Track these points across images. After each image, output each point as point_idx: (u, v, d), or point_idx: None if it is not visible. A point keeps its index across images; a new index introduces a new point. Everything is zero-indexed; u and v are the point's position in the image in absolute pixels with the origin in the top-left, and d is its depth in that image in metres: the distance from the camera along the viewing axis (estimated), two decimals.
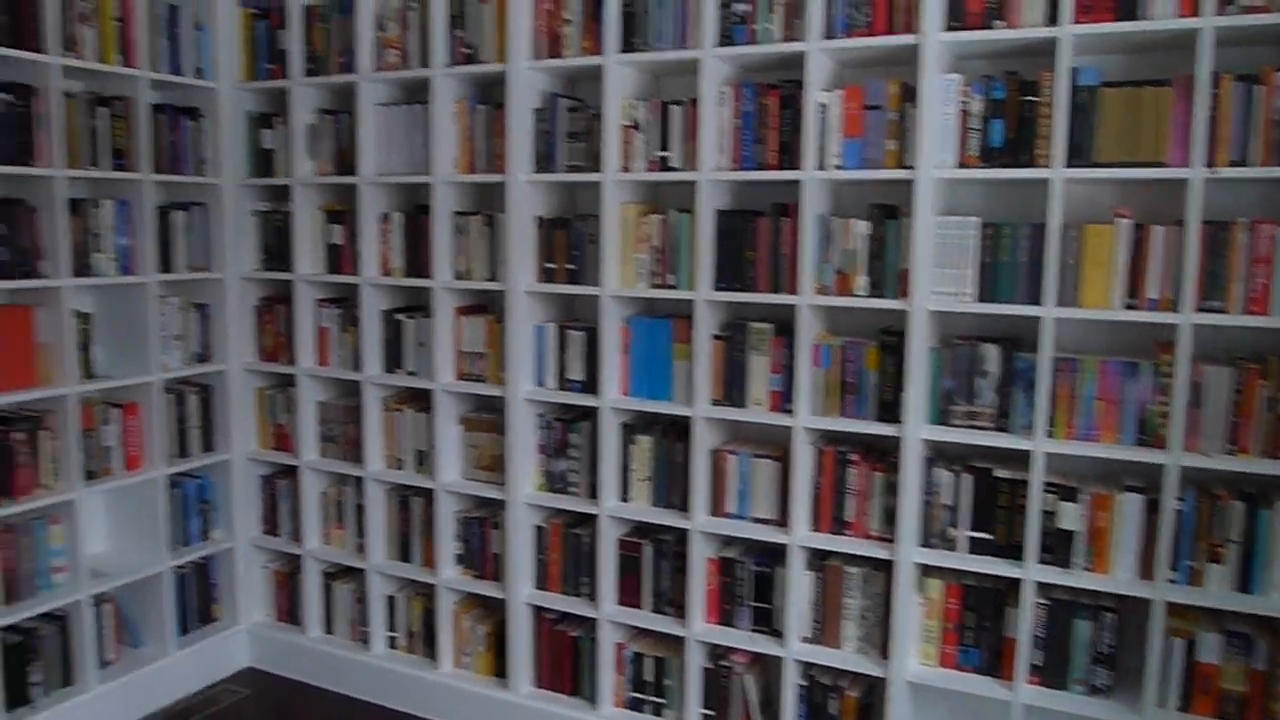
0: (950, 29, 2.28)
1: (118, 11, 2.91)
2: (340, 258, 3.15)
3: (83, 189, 3.00)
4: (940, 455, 2.52)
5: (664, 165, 2.64)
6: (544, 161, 2.79)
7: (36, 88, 2.73)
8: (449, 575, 3.08)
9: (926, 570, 2.51)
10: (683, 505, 2.73)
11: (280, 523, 3.41)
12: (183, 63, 3.13)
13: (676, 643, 2.81)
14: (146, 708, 3.14)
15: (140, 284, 3.04)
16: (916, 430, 2.41)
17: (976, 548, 2.43)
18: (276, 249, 3.28)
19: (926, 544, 2.48)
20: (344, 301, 3.22)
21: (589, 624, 2.90)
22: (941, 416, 2.44)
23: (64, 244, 2.80)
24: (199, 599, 3.36)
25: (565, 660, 2.95)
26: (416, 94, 3.04)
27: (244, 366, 3.38)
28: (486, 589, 3.01)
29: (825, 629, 2.61)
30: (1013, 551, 2.39)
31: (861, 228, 2.44)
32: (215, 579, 3.42)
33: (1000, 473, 2.39)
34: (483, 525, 3.03)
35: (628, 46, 2.62)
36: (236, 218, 3.31)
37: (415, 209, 3.03)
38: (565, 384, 2.85)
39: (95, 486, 2.95)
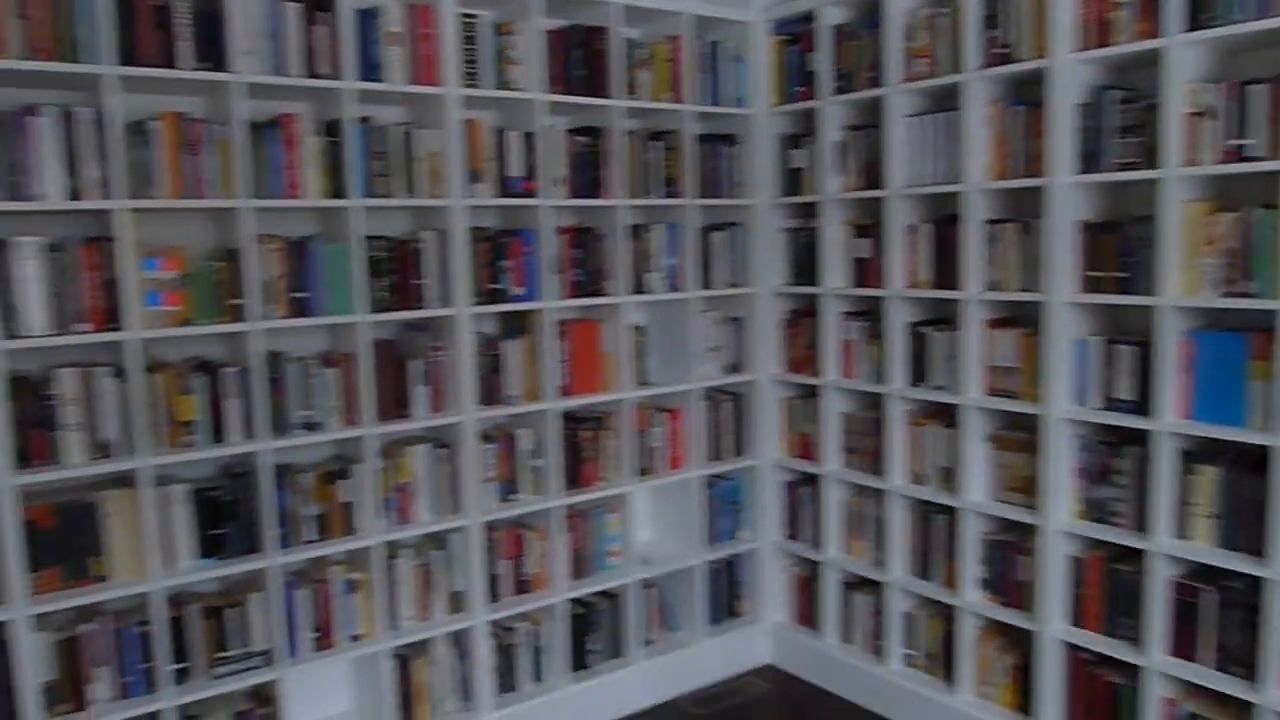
0: None
1: (669, 54, 3.22)
2: (866, 271, 3.18)
3: (639, 215, 3.36)
4: None
5: (1240, 155, 2.28)
6: (1089, 161, 2.56)
7: (604, 129, 3.11)
8: (971, 599, 2.95)
9: None
10: (1258, 549, 2.34)
11: (801, 528, 3.53)
12: (722, 94, 3.38)
13: (1244, 709, 2.41)
14: (680, 687, 3.42)
15: (685, 300, 3.33)
16: None
17: None
18: (804, 264, 3.40)
19: None
20: (869, 314, 3.24)
21: (1132, 671, 2.61)
22: None
23: (624, 265, 3.15)
24: (727, 594, 3.59)
25: (1101, 707, 2.68)
26: (945, 101, 2.96)
27: (772, 377, 3.55)
28: (1012, 618, 2.83)
29: None
30: None
31: None
32: (741, 576, 3.63)
33: None
34: (1010, 550, 2.86)
35: (1195, 24, 2.31)
36: (768, 236, 3.49)
37: (944, 219, 2.96)
38: (1111, 403, 2.59)
39: (644, 482, 3.29)
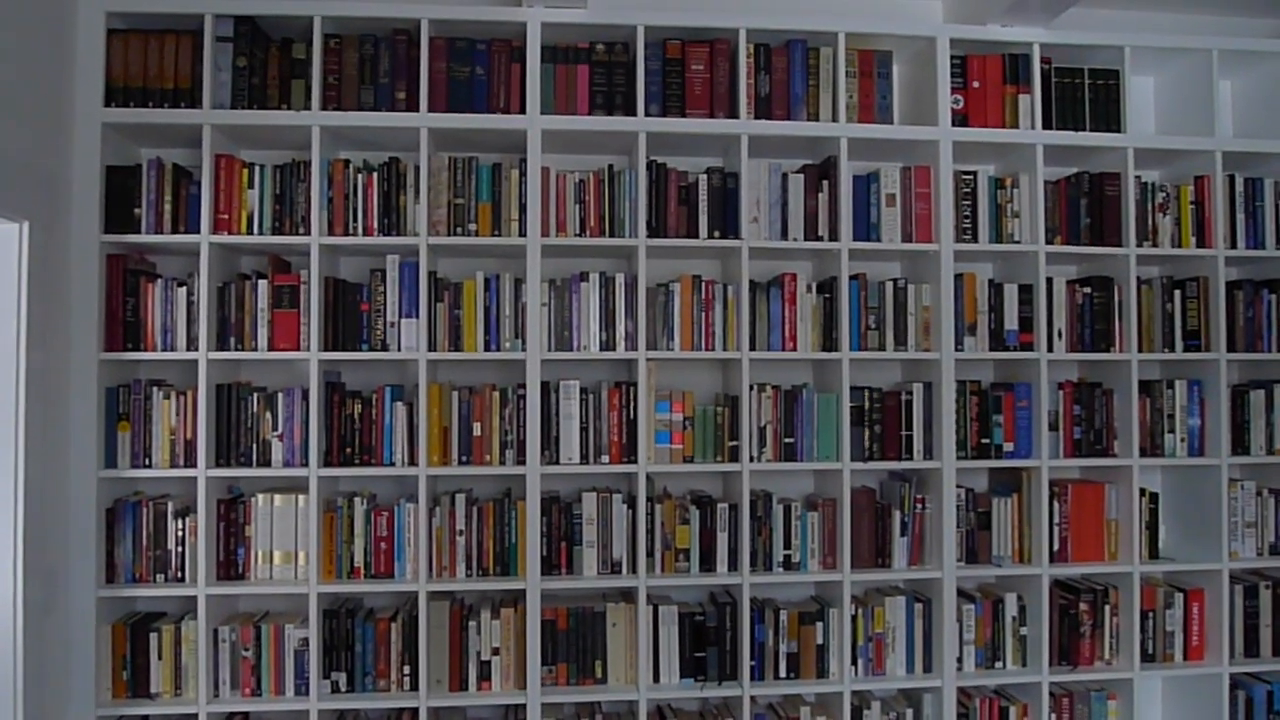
0: None
1: (1194, 196, 2.94)
2: None
3: (1154, 370, 3.06)
4: None
5: None
6: None
7: (1113, 279, 2.92)
8: None
9: None
10: None
11: None
12: (1265, 235, 2.99)
13: None
14: None
15: (1210, 466, 2.94)
16: None
17: None
18: None
19: None
20: None
21: None
22: None
23: (1135, 424, 2.88)
24: None
25: None
26: None
27: None
28: None
29: None
30: None
31: None
32: None
33: None
34: None
35: None
36: None
37: None
38: None
39: (1152, 670, 2.90)
